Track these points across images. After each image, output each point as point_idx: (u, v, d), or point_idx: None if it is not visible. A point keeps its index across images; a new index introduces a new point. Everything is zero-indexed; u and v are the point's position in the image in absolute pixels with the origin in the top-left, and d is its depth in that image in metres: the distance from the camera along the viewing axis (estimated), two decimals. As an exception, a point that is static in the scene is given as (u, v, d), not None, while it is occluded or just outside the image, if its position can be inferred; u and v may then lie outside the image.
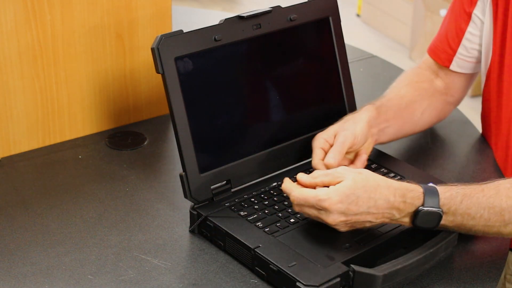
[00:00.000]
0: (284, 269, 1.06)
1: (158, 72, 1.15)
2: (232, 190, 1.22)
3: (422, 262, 1.09)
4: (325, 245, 1.11)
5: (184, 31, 1.17)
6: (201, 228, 1.19)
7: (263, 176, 1.26)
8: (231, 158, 1.22)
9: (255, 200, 1.21)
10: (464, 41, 1.44)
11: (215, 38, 1.19)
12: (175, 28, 1.32)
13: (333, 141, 1.25)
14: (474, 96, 3.33)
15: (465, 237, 1.18)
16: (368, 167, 1.29)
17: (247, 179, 1.24)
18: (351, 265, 1.06)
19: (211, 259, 1.14)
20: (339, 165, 1.21)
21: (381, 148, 1.38)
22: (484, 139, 1.50)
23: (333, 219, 1.08)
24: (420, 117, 1.42)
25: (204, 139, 1.19)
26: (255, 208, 1.19)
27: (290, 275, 1.05)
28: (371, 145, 1.31)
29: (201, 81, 1.19)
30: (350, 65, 1.38)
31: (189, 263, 1.14)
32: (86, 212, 1.25)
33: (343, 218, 1.08)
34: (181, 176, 1.17)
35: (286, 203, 1.20)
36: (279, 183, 1.24)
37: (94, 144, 1.45)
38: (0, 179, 1.33)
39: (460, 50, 1.44)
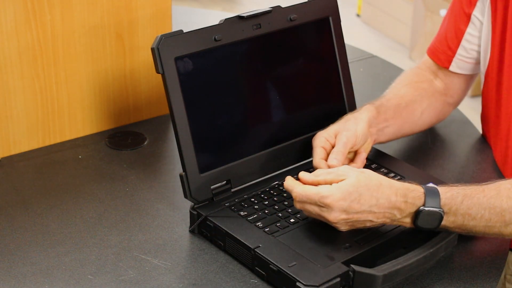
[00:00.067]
0: (284, 269, 1.06)
1: (158, 72, 1.15)
2: (232, 190, 1.22)
3: (422, 262, 1.09)
4: (325, 245, 1.11)
5: (184, 31, 1.17)
6: (201, 228, 1.19)
7: (263, 176, 1.26)
8: (231, 158, 1.22)
9: (255, 200, 1.21)
10: (463, 42, 1.44)
11: (215, 38, 1.19)
12: (175, 28, 1.32)
13: (334, 140, 1.25)
14: (474, 96, 3.33)
15: (465, 237, 1.18)
16: (368, 167, 1.29)
17: (247, 179, 1.24)
18: (351, 265, 1.06)
19: (211, 259, 1.14)
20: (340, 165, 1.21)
21: (381, 148, 1.38)
22: (484, 139, 1.50)
23: (334, 217, 1.08)
24: (419, 117, 1.42)
25: (204, 139, 1.19)
26: (255, 208, 1.19)
27: (290, 275, 1.05)
28: (370, 145, 1.31)
29: (201, 81, 1.19)
30: (350, 65, 1.38)
31: (189, 263, 1.14)
32: (86, 212, 1.25)
33: (344, 216, 1.08)
34: (181, 176, 1.17)
35: (286, 203, 1.20)
36: (280, 182, 1.24)
37: (94, 144, 1.45)
38: (0, 179, 1.33)
39: (460, 51, 1.44)
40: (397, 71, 1.72)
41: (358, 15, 4.48)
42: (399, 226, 1.14)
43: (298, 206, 1.12)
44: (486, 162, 1.43)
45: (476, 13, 1.41)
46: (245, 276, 1.11)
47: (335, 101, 1.36)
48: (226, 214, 1.17)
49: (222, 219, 1.16)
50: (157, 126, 1.52)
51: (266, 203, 1.20)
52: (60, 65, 1.40)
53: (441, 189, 1.11)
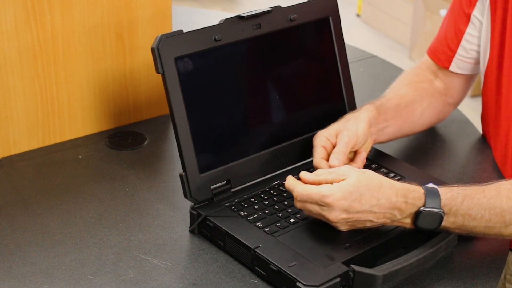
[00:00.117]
0: (284, 269, 1.06)
1: (158, 72, 1.15)
2: (232, 190, 1.22)
3: (422, 262, 1.09)
4: (325, 245, 1.11)
5: (184, 31, 1.17)
6: (201, 228, 1.19)
7: (263, 176, 1.26)
8: (231, 158, 1.22)
9: (255, 200, 1.21)
10: (463, 42, 1.44)
11: (215, 38, 1.19)
12: (175, 28, 1.32)
13: (335, 139, 1.25)
14: (474, 96, 3.33)
15: (465, 237, 1.18)
16: (368, 167, 1.29)
17: (247, 179, 1.24)
18: (351, 265, 1.06)
19: (211, 259, 1.14)
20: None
21: (381, 148, 1.38)
22: (484, 139, 1.50)
23: (335, 216, 1.08)
24: (419, 117, 1.42)
25: (204, 139, 1.19)
26: (255, 208, 1.19)
27: (290, 275, 1.05)
28: (370, 145, 1.31)
29: (201, 81, 1.19)
30: (350, 65, 1.38)
31: (189, 263, 1.14)
32: (86, 212, 1.25)
33: (345, 216, 1.08)
34: (181, 176, 1.17)
35: (286, 203, 1.20)
36: (280, 182, 1.24)
37: (94, 144, 1.45)
38: (0, 179, 1.33)
39: (459, 51, 1.44)
40: (397, 71, 1.72)
41: (358, 15, 4.48)
42: (399, 226, 1.14)
43: (299, 205, 1.12)
44: (486, 162, 1.43)
45: (476, 13, 1.41)
46: (245, 276, 1.11)
47: (335, 101, 1.36)
48: (226, 214, 1.17)
49: (222, 219, 1.16)
50: (157, 126, 1.52)
51: (266, 203, 1.20)
52: (60, 65, 1.40)
53: (441, 190, 1.11)
